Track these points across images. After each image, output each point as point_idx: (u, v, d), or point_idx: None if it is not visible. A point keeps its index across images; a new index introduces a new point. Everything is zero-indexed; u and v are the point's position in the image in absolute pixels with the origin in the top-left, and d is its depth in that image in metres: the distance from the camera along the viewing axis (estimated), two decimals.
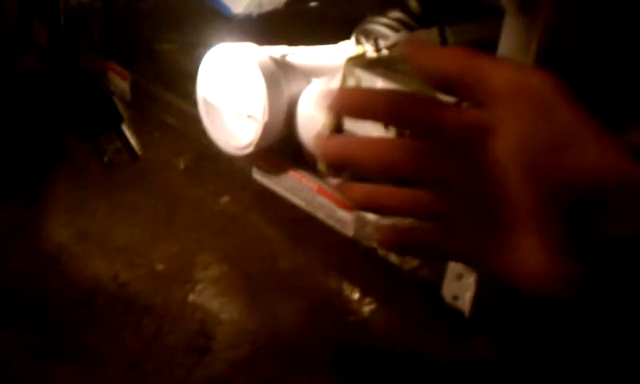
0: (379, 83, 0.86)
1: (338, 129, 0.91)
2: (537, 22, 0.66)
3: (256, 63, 0.93)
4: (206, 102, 1.00)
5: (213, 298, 0.92)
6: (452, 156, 0.37)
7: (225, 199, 1.12)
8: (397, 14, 1.08)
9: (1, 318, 0.87)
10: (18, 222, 1.03)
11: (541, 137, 0.35)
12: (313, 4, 1.30)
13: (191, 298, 0.91)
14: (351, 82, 0.89)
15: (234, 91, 0.97)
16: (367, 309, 0.92)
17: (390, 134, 0.82)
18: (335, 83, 0.92)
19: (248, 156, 1.00)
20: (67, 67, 1.38)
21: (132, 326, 0.85)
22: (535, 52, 0.68)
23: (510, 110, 0.36)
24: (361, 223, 0.91)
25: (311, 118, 0.94)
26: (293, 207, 1.02)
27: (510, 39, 0.69)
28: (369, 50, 0.97)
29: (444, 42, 0.96)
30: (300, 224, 1.05)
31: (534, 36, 0.67)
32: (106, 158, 1.19)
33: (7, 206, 1.06)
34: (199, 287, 0.94)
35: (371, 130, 0.88)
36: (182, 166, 1.20)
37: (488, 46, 0.91)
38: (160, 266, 0.96)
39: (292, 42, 1.03)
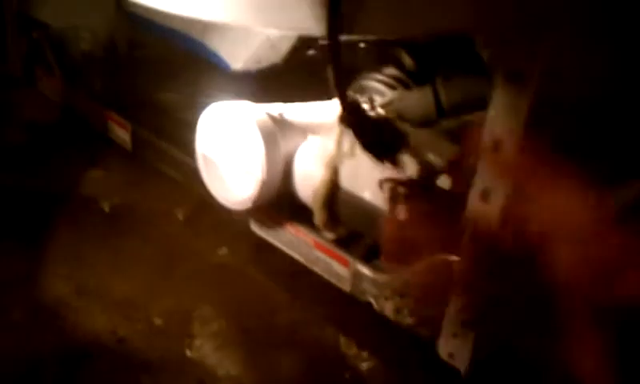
0: None
1: (334, 185, 0.93)
2: (525, 90, 0.68)
3: (254, 122, 0.95)
4: (205, 157, 1.02)
5: (211, 354, 0.93)
6: None
7: (223, 251, 1.13)
8: (392, 70, 1.10)
9: (2, 370, 0.88)
10: (18, 274, 1.04)
11: None
12: (310, 52, 1.32)
13: (189, 353, 0.92)
14: (347, 142, 0.91)
15: (232, 148, 0.99)
16: (364, 365, 0.93)
17: (383, 193, 0.84)
18: (331, 142, 0.94)
19: (246, 210, 1.02)
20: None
21: (130, 383, 0.86)
22: (526, 115, 0.69)
23: None
24: (358, 279, 0.93)
25: (308, 174, 0.96)
26: (291, 260, 1.03)
27: (499, 104, 0.71)
28: (365, 107, 0.99)
29: (437, 101, 0.99)
30: (298, 277, 1.05)
31: (523, 102, 0.69)
32: (106, 208, 1.21)
33: (8, 257, 1.07)
34: (197, 342, 0.94)
35: (365, 189, 0.91)
36: (180, 217, 1.21)
37: (484, 104, 0.93)
38: (158, 321, 0.97)
39: (289, 96, 1.05)
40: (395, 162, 0.75)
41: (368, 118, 0.66)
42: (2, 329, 0.95)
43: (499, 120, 0.70)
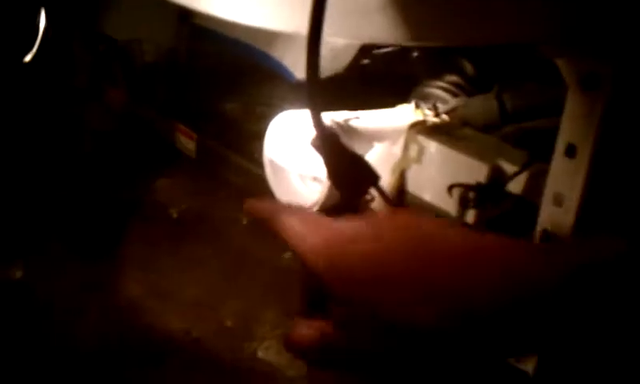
0: (441, 150, 0.89)
1: (400, 189, 0.95)
2: (599, 97, 0.68)
3: None
4: (272, 163, 1.05)
5: (281, 354, 0.95)
6: None
7: (288, 255, 1.16)
8: (453, 77, 1.12)
9: (79, 373, 0.92)
10: (93, 278, 1.09)
11: None
12: (365, 62, 1.35)
13: (260, 354, 0.95)
14: (414, 148, 0.93)
15: (299, 154, 1.02)
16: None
17: (453, 198, 0.85)
18: (397, 148, 0.96)
19: None
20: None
21: (206, 381, 0.89)
22: (597, 124, 0.70)
23: None
24: None
25: None
26: None
27: (572, 112, 0.72)
28: (428, 114, 1.00)
29: (502, 107, 1.00)
30: None
31: (596, 111, 0.69)
32: (174, 214, 1.25)
33: (84, 262, 1.12)
34: (267, 343, 0.97)
35: (433, 194, 0.92)
36: (245, 223, 1.25)
37: (549, 109, 0.94)
38: (229, 322, 1.00)
39: (351, 105, 1.08)
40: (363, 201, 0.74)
41: (342, 150, 0.58)
42: (80, 331, 0.99)
43: (573, 125, 0.71)
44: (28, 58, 1.35)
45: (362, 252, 0.41)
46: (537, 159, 0.81)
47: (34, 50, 1.33)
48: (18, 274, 0.94)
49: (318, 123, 0.56)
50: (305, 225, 0.46)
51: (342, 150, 0.57)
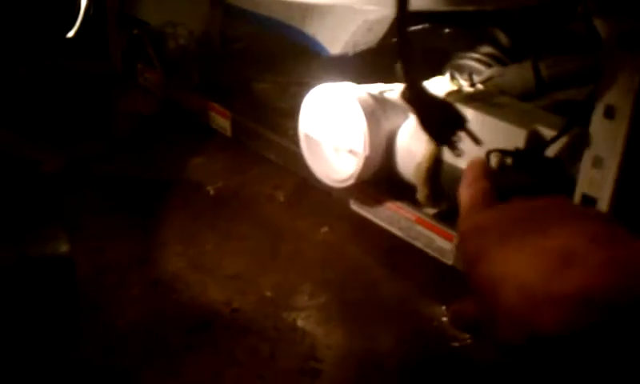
0: (478, 117, 0.90)
1: (436, 160, 0.96)
2: (638, 57, 0.68)
3: (356, 100, 0.99)
4: (307, 137, 1.06)
5: (319, 324, 0.97)
6: None
7: (324, 229, 1.18)
8: (487, 48, 1.12)
9: (123, 346, 0.94)
10: (136, 253, 1.12)
11: None
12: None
13: (300, 323, 0.97)
14: None
15: (335, 127, 1.03)
16: (469, 335, 0.95)
17: (491, 165, 0.85)
18: None
19: (346, 188, 1.06)
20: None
21: (248, 350, 0.91)
22: (637, 84, 0.70)
23: None
24: None
25: (410, 151, 0.99)
26: (390, 236, 1.06)
27: (611, 73, 0.71)
28: (464, 84, 1.00)
29: (538, 75, 0.99)
30: (397, 253, 1.09)
31: (636, 70, 0.69)
32: (211, 191, 1.28)
33: (126, 239, 1.15)
34: (306, 313, 0.99)
35: (469, 160, 0.92)
36: (281, 199, 1.26)
37: (583, 78, 0.93)
38: (269, 294, 1.02)
39: (385, 78, 1.08)
40: (453, 145, 0.76)
41: (430, 97, 0.65)
42: (124, 303, 1.02)
43: (612, 86, 0.71)
44: (70, 35, 1.38)
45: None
46: (575, 124, 0.81)
47: (76, 26, 1.35)
48: (64, 248, 0.97)
49: (409, 74, 0.62)
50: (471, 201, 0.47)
51: (430, 98, 0.62)
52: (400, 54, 0.61)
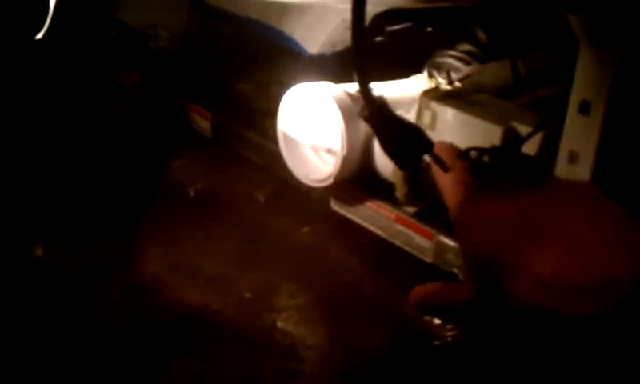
0: (454, 115, 0.90)
1: None
2: (613, 53, 0.68)
3: (333, 99, 0.98)
4: (286, 137, 1.06)
5: (299, 325, 0.96)
6: None
7: (305, 230, 1.17)
8: (466, 46, 1.12)
9: (101, 350, 0.93)
10: (114, 255, 1.10)
11: None
12: (379, 39, 1.35)
13: (279, 324, 0.96)
14: (427, 115, 0.93)
15: (313, 127, 1.03)
16: (449, 333, 0.95)
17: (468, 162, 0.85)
18: (411, 116, 0.96)
19: (326, 188, 1.05)
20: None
21: (228, 351, 0.91)
22: (611, 80, 0.70)
23: None
24: (441, 250, 0.95)
25: None
26: (371, 235, 1.06)
27: (585, 69, 0.72)
28: (442, 82, 1.00)
29: (516, 72, 0.99)
30: (378, 252, 1.08)
31: (609, 66, 0.69)
32: (192, 192, 1.27)
33: (104, 241, 1.13)
34: (286, 314, 0.98)
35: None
36: (262, 200, 1.26)
37: (562, 75, 0.93)
38: (249, 295, 1.02)
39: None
40: (416, 169, 0.72)
41: (393, 119, 0.56)
42: (103, 306, 1.01)
43: (586, 81, 0.71)
44: (39, 36, 1.36)
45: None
46: (550, 120, 0.81)
47: (45, 28, 1.34)
48: (39, 251, 0.96)
49: (367, 93, 0.54)
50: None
51: (392, 119, 0.55)
52: (356, 66, 0.53)
